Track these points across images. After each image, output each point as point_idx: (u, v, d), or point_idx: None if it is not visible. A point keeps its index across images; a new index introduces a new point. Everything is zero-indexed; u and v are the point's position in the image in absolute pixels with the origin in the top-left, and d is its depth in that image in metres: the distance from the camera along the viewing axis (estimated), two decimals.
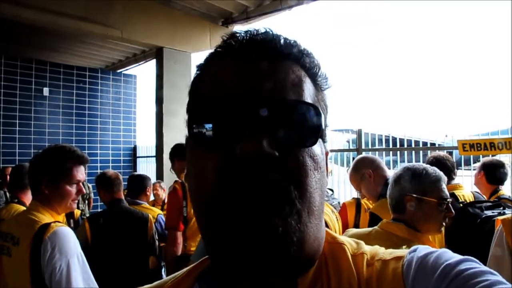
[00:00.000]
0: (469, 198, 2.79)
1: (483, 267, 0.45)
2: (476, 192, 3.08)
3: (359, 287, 0.49)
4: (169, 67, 7.18)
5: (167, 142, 6.64)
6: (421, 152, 5.31)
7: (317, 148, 0.50)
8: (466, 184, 3.50)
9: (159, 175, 6.83)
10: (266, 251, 0.44)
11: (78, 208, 4.25)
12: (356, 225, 2.61)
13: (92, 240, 2.76)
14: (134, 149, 9.40)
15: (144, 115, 12.18)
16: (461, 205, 2.41)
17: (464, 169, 5.14)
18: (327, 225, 1.69)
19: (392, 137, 5.58)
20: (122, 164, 9.00)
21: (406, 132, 5.58)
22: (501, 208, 2.25)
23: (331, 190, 2.93)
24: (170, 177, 3.87)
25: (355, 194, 3.63)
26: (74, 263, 1.52)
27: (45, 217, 1.65)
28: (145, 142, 9.33)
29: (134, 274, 2.74)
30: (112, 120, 8.95)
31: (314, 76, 0.54)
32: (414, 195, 1.63)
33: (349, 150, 6.19)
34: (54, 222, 1.62)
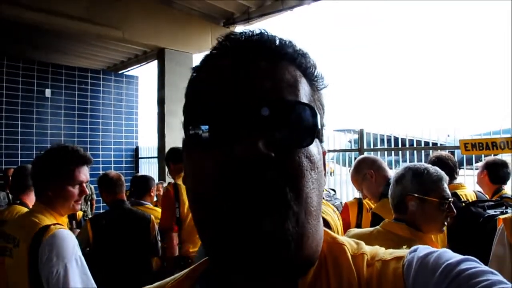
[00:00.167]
0: (472, 197, 2.78)
1: (484, 267, 0.45)
2: (478, 191, 3.07)
3: (360, 287, 0.48)
4: (171, 68, 7.20)
5: (169, 143, 6.66)
6: (423, 152, 5.31)
7: (314, 148, 0.50)
8: (468, 184, 3.49)
9: (161, 176, 6.83)
10: (263, 252, 0.44)
11: (80, 209, 4.27)
12: (358, 225, 2.60)
13: (94, 241, 2.77)
14: (136, 150, 9.42)
15: (146, 116, 12.22)
16: (464, 204, 2.40)
17: (466, 169, 5.13)
18: (329, 225, 1.69)
19: (394, 137, 5.57)
20: (124, 165, 9.02)
21: (408, 132, 5.58)
22: (504, 207, 2.25)
23: (333, 190, 2.93)
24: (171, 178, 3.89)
25: (357, 194, 3.63)
26: (72, 267, 1.48)
27: (47, 219, 1.62)
28: (147, 143, 9.39)
29: (137, 275, 2.74)
30: (114, 121, 8.97)
31: (310, 76, 0.54)
32: (416, 195, 1.63)
33: (351, 150, 6.19)
34: (54, 224, 1.59)
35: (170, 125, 7.05)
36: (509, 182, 3.09)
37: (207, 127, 0.47)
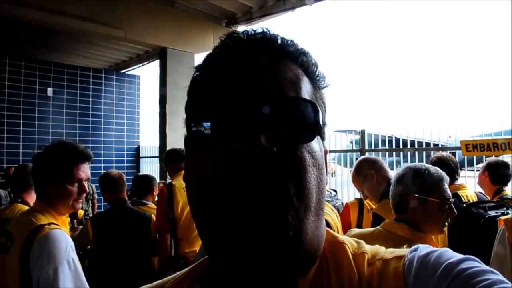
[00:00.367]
0: (473, 198, 2.78)
1: (485, 266, 0.45)
2: (479, 192, 3.07)
3: (360, 286, 0.48)
4: (173, 67, 7.20)
5: (171, 143, 6.66)
6: (424, 152, 5.31)
7: (316, 145, 0.50)
8: (469, 185, 3.49)
9: (163, 175, 6.83)
10: (265, 250, 0.44)
11: (81, 208, 4.27)
12: (359, 226, 2.60)
13: (95, 240, 2.77)
14: (138, 149, 9.43)
15: (147, 115, 12.22)
16: (465, 205, 2.40)
17: (468, 170, 5.12)
18: (329, 225, 1.69)
19: (395, 137, 5.57)
20: (125, 164, 9.03)
21: (409, 133, 5.58)
22: (505, 209, 2.24)
23: (335, 190, 2.92)
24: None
25: (358, 194, 3.62)
26: (63, 270, 1.40)
27: (44, 218, 1.56)
28: (149, 142, 9.40)
29: (137, 274, 2.75)
30: (116, 121, 8.98)
31: (311, 75, 0.54)
32: (416, 195, 1.62)
33: (352, 150, 6.19)
34: (49, 224, 1.51)
35: (171, 125, 7.05)
36: (510, 183, 3.09)
37: (209, 124, 0.47)
